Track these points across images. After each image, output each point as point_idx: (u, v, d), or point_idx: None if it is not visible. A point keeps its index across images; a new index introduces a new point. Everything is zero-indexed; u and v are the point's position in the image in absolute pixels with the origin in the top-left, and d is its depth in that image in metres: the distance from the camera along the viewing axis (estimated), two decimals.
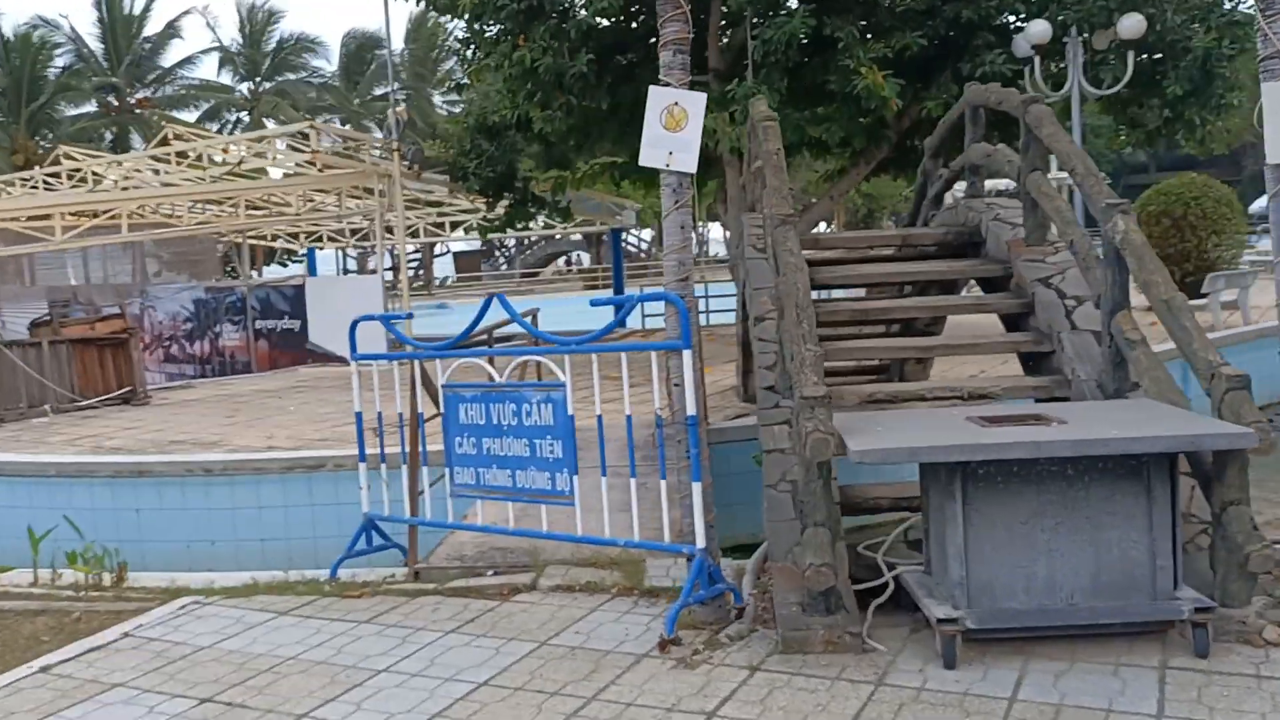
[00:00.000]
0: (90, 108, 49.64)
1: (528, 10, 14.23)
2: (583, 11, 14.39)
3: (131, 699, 5.04)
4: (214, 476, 10.79)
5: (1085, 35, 15.11)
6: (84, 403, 15.57)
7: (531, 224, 23.60)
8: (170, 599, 6.62)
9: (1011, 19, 15.40)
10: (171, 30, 51.68)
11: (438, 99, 55.50)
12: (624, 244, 32.74)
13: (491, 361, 6.74)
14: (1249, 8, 16.54)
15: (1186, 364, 6.16)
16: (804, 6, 13.20)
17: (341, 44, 56.27)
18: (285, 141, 19.96)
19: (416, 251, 53.86)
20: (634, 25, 15.87)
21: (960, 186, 10.69)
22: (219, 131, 44.48)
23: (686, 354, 5.49)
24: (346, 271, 50.42)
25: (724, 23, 15.35)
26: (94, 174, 19.97)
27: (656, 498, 6.16)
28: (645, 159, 5.64)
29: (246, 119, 51.25)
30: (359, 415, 7.38)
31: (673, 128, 5.50)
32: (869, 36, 13.82)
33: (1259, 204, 36.78)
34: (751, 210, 9.72)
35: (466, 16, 15.83)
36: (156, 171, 19.77)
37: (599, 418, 5.96)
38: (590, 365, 6.18)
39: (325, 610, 6.24)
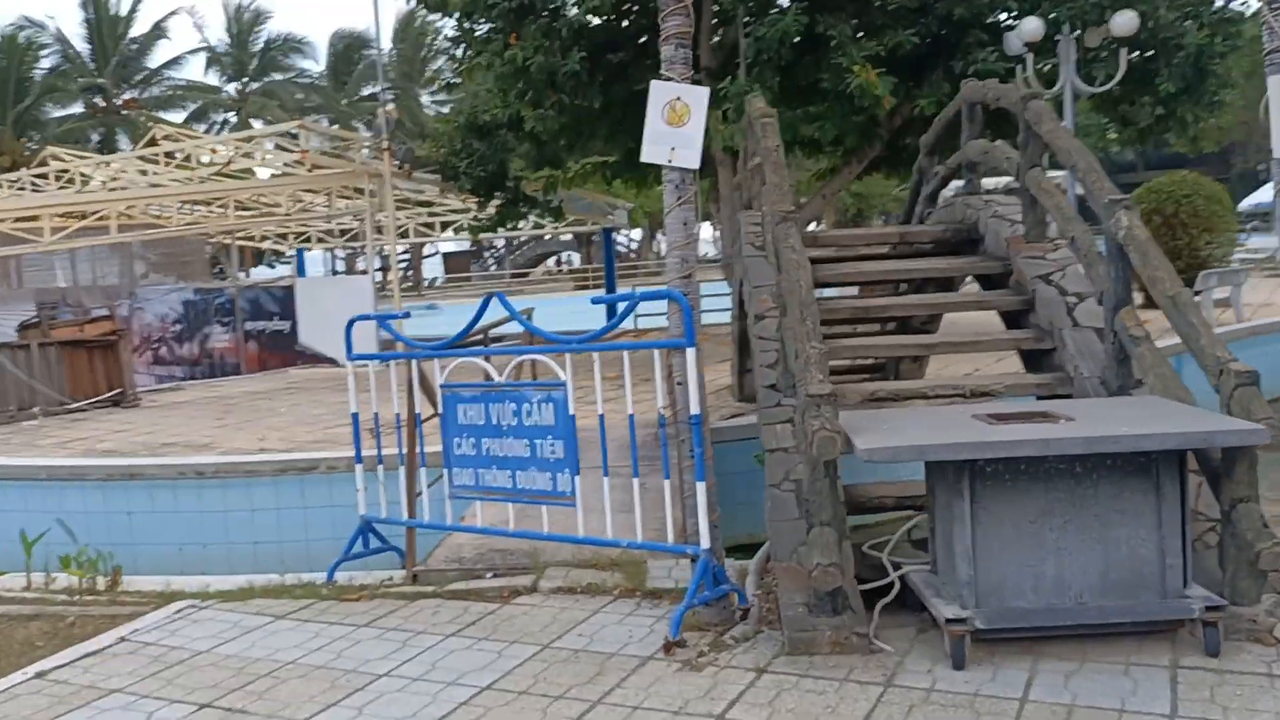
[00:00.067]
0: (77, 109, 49.44)
1: (519, 8, 14.16)
2: (574, 10, 14.33)
3: (129, 705, 4.95)
4: (206, 479, 10.70)
5: (1078, 33, 15.07)
6: (73, 405, 15.45)
7: (521, 224, 23.48)
8: (166, 603, 6.53)
9: (1004, 16, 15.38)
10: (158, 31, 51.54)
11: (426, 98, 55.39)
12: (614, 244, 32.62)
13: (489, 361, 6.67)
14: (1241, 5, 16.61)
15: (1183, 360, 6.18)
16: (796, 5, 13.14)
17: (329, 44, 56.23)
18: (274, 141, 19.86)
19: (405, 252, 53.71)
20: (625, 24, 15.80)
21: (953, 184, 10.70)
22: (206, 132, 44.22)
23: (690, 352, 5.43)
24: (335, 272, 50.32)
25: (715, 21, 15.30)
26: (82, 175, 19.84)
27: (657, 498, 6.11)
28: (647, 155, 5.57)
29: (234, 120, 51.07)
30: (355, 416, 7.30)
31: (675, 123, 5.44)
32: (861, 35, 13.77)
33: (1249, 201, 36.94)
34: (748, 208, 9.67)
35: (457, 15, 15.77)
36: (144, 172, 19.64)
37: (601, 417, 5.90)
38: (584, 364, 6.13)
39: (323, 614, 6.16)
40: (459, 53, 17.32)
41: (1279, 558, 4.79)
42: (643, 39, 15.67)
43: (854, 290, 11.25)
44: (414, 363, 6.91)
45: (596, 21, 14.91)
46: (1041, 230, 7.78)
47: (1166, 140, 17.85)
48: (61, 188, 19.74)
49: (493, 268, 63.09)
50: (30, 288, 21.80)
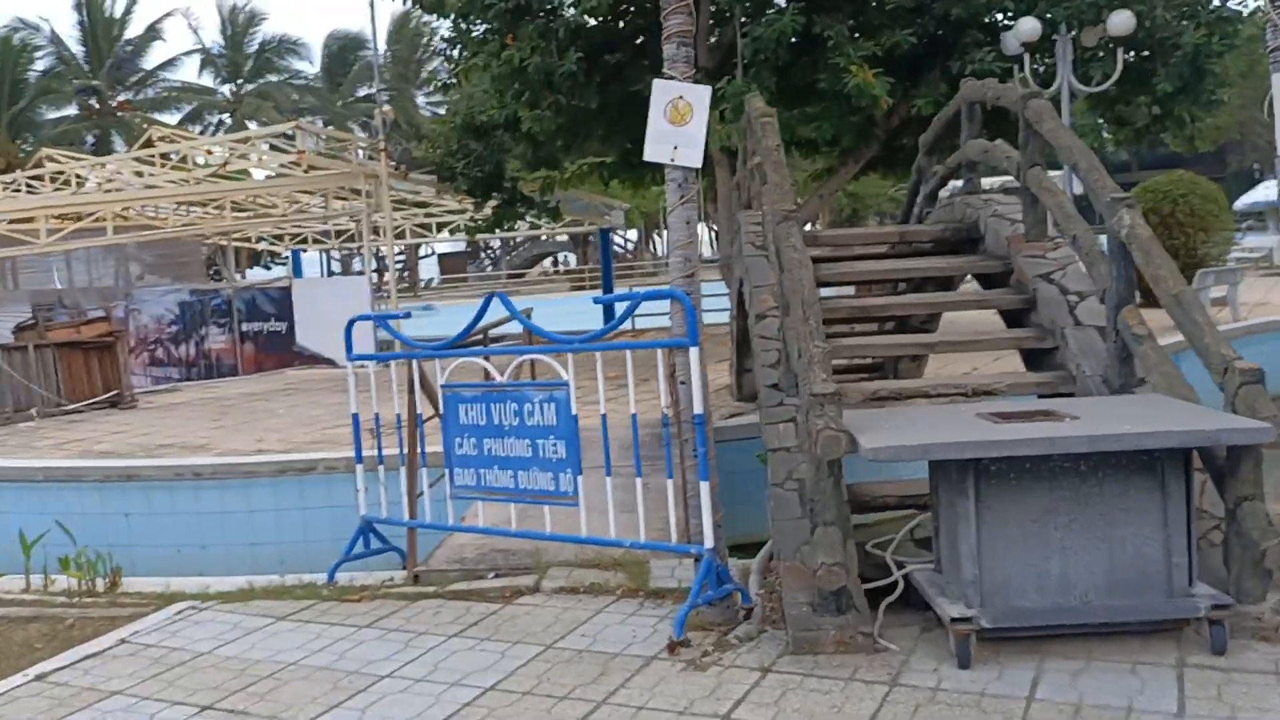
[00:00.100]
0: (71, 111, 49.33)
1: (515, 9, 14.14)
2: (571, 10, 14.31)
3: (130, 707, 4.93)
4: (204, 480, 10.68)
5: (1074, 32, 15.08)
6: (70, 407, 15.42)
7: (518, 224, 23.46)
8: (165, 604, 6.50)
9: (1000, 16, 15.37)
10: (153, 32, 51.50)
11: (421, 99, 55.38)
12: (611, 244, 32.58)
13: (489, 361, 6.65)
14: (1239, 4, 16.61)
15: (1181, 358, 6.16)
16: (793, 5, 13.13)
17: (324, 45, 56.17)
18: (270, 142, 19.82)
19: (401, 253, 53.68)
20: (621, 24, 15.78)
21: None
22: (201, 134, 44.18)
23: (693, 351, 5.41)
24: (331, 273, 50.22)
25: (712, 21, 15.28)
26: (77, 176, 19.79)
27: (657, 498, 6.10)
28: (650, 154, 5.55)
29: (229, 121, 51.01)
30: (355, 416, 7.27)
31: (678, 122, 5.42)
32: (857, 35, 13.76)
33: (1244, 200, 37.00)
34: (747, 208, 9.66)
35: (453, 16, 15.75)
36: (140, 174, 19.59)
37: (603, 417, 5.88)
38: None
39: (324, 615, 6.13)
40: (455, 53, 17.33)
41: None
42: (639, 39, 15.65)
43: (851, 290, 11.24)
44: (414, 363, 6.88)
45: (593, 22, 14.91)
46: (1042, 229, 7.77)
47: (1161, 140, 17.86)
48: (57, 189, 19.69)
49: (488, 269, 63.07)
50: (26, 289, 21.73)
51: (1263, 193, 41.66)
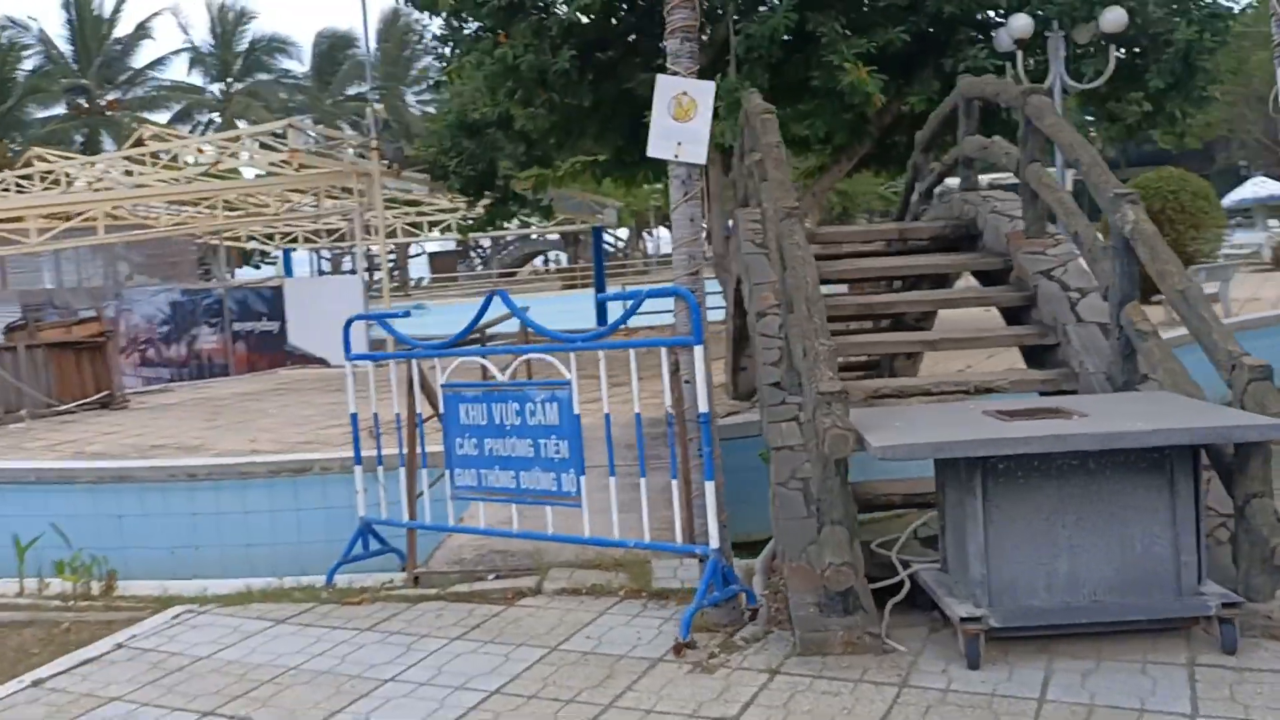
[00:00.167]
0: (60, 110, 49.05)
1: (508, 7, 14.06)
2: (564, 8, 14.24)
3: (130, 713, 4.86)
4: (198, 481, 10.61)
5: (1066, 29, 15.07)
6: (61, 408, 15.32)
7: (510, 223, 23.38)
8: (163, 608, 6.43)
9: (992, 14, 15.35)
10: (142, 31, 51.21)
11: (411, 98, 55.23)
12: (603, 242, 32.50)
13: (489, 360, 6.59)
14: (1231, 0, 16.62)
15: (1180, 354, 6.13)
16: (786, 2, 13.07)
17: (313, 44, 55.97)
18: (261, 141, 19.71)
19: (391, 252, 53.51)
20: (615, 21, 15.71)
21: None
22: (190, 133, 43.99)
23: (698, 350, 5.36)
24: (321, 273, 50.07)
25: (702, 20, 15.21)
26: (66, 176, 19.67)
27: (657, 497, 6.05)
28: (653, 150, 5.50)
29: (218, 120, 50.79)
30: (354, 417, 7.20)
31: (681, 118, 5.37)
32: (848, 32, 13.70)
33: (1231, 198, 37.05)
34: (744, 205, 9.61)
35: (445, 14, 15.66)
36: (130, 173, 19.48)
37: (607, 416, 5.83)
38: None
39: (325, 618, 6.07)
40: (446, 51, 17.23)
41: None
42: (632, 37, 15.58)
43: (843, 287, 11.19)
44: (414, 362, 6.81)
45: (586, 20, 14.83)
46: (1042, 225, 7.74)
47: (1149, 137, 17.88)
48: (46, 189, 19.57)
49: (479, 268, 62.95)
50: (15, 289, 21.60)
51: (1250, 190, 41.74)
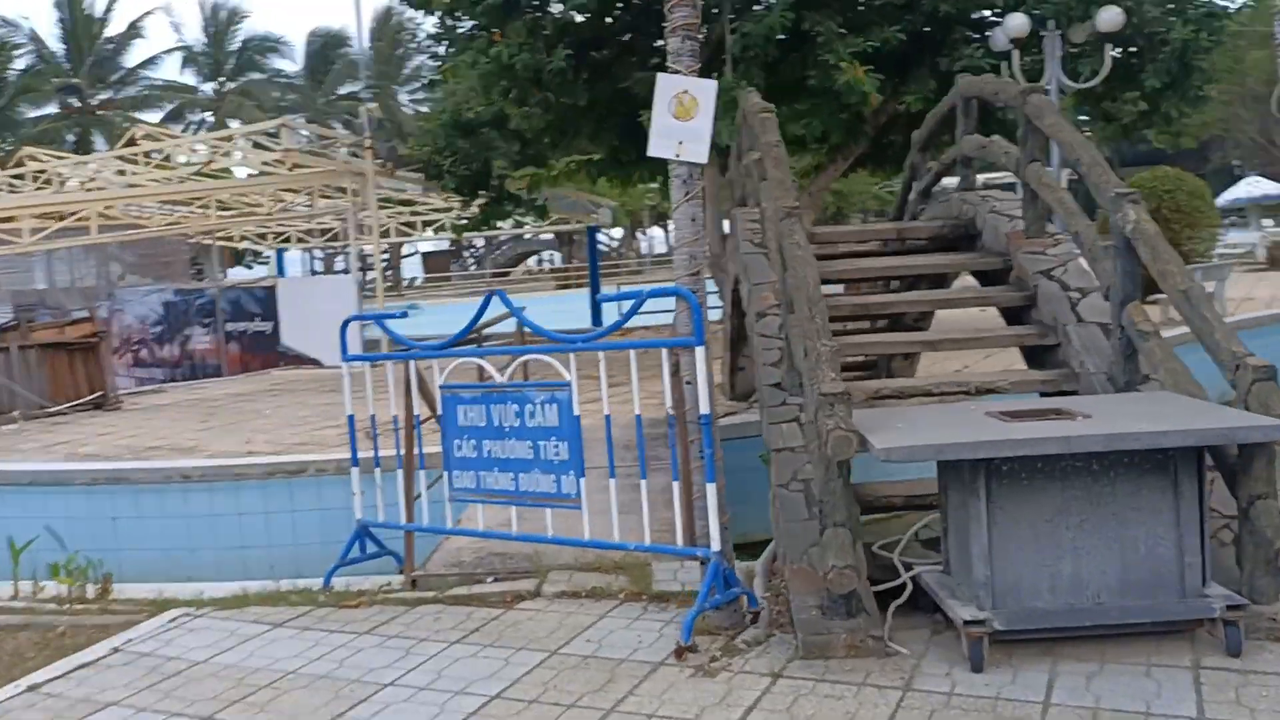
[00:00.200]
0: (52, 109, 48.88)
1: (503, 5, 14.01)
2: (560, 7, 14.20)
3: (127, 719, 4.81)
4: (192, 483, 10.56)
5: (1063, 29, 15.06)
6: (54, 408, 15.25)
7: (504, 223, 23.31)
8: (159, 611, 6.37)
9: (988, 13, 15.34)
10: (134, 30, 50.98)
11: (404, 96, 55.16)
12: (598, 242, 32.43)
13: (487, 361, 6.55)
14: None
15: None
16: (782, 1, 13.04)
17: (306, 43, 55.83)
18: (254, 140, 19.63)
19: (385, 252, 53.42)
20: (610, 20, 15.68)
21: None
22: (183, 132, 43.84)
23: (699, 351, 5.32)
24: (314, 273, 50.01)
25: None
26: (59, 175, 19.58)
27: (656, 499, 6.01)
28: (654, 149, 5.46)
29: (210, 120, 50.65)
30: (351, 418, 7.14)
31: (683, 117, 5.33)
32: (844, 31, 13.67)
33: (1224, 197, 37.11)
34: (742, 204, 9.58)
35: (439, 12, 15.61)
36: (122, 172, 19.39)
37: (607, 418, 5.79)
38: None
39: (322, 621, 6.02)
40: (441, 50, 17.18)
41: None
42: (627, 36, 15.54)
43: (839, 287, 11.16)
44: (412, 363, 6.77)
45: (581, 19, 14.79)
46: (1041, 225, 7.73)
47: (1143, 136, 17.88)
48: (39, 188, 19.47)
49: (472, 267, 62.85)
50: (7, 289, 21.50)
51: (1244, 189, 41.82)
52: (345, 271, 45.79)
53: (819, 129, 14.23)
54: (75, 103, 48.16)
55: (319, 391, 16.51)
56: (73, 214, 19.05)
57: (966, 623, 4.71)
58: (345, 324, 7.01)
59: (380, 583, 6.81)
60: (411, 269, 63.19)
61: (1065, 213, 6.98)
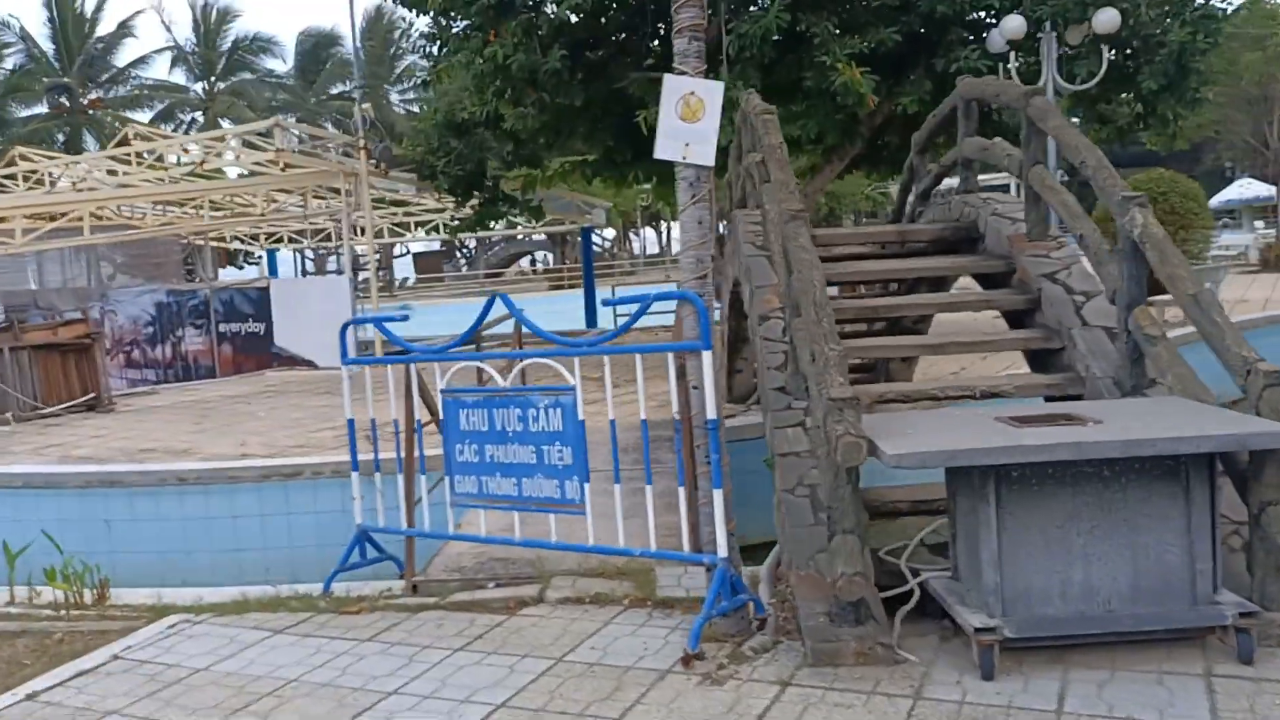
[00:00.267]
0: (41, 109, 48.64)
1: (498, 5, 13.95)
2: (554, 7, 14.13)
3: None
4: (188, 486, 10.49)
5: (1059, 30, 15.03)
6: (47, 410, 15.15)
7: (497, 223, 23.24)
8: (157, 617, 6.31)
9: (984, 14, 15.31)
10: (124, 29, 50.76)
11: (395, 96, 55.00)
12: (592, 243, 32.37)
13: (489, 364, 6.50)
14: (1223, 2, 16.63)
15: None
16: (778, 2, 13.00)
17: (297, 43, 55.61)
18: (246, 139, 19.53)
19: (376, 252, 53.21)
20: (604, 21, 15.62)
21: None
22: (174, 131, 43.68)
23: (706, 355, 5.27)
24: (305, 273, 49.85)
25: None
26: (49, 174, 19.46)
27: (659, 504, 5.96)
28: (661, 151, 5.41)
29: (201, 119, 50.47)
30: (351, 422, 7.07)
31: (689, 118, 5.27)
32: (839, 32, 13.63)
33: (1217, 199, 37.20)
34: (741, 206, 9.54)
35: (433, 12, 15.54)
36: (114, 172, 19.29)
37: (612, 423, 5.73)
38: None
39: (323, 628, 5.95)
40: (435, 50, 17.11)
41: None
42: (622, 36, 15.49)
43: (833, 290, 11.11)
44: (412, 367, 6.70)
45: (576, 19, 14.73)
46: (1044, 228, 7.69)
47: (1135, 138, 17.88)
48: (29, 188, 19.36)
49: (464, 268, 62.72)
50: None
51: (1236, 191, 41.94)
52: (337, 272, 45.71)
53: (814, 130, 14.20)
54: (65, 102, 47.91)
55: (313, 393, 16.44)
56: (64, 214, 18.94)
57: (977, 630, 4.66)
58: (344, 327, 6.94)
59: (381, 588, 6.75)
60: (402, 269, 63.04)
61: (1069, 216, 6.95)
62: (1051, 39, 15.11)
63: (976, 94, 8.75)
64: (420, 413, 6.95)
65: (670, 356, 5.58)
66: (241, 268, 38.69)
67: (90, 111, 47.50)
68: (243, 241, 29.66)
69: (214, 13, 52.52)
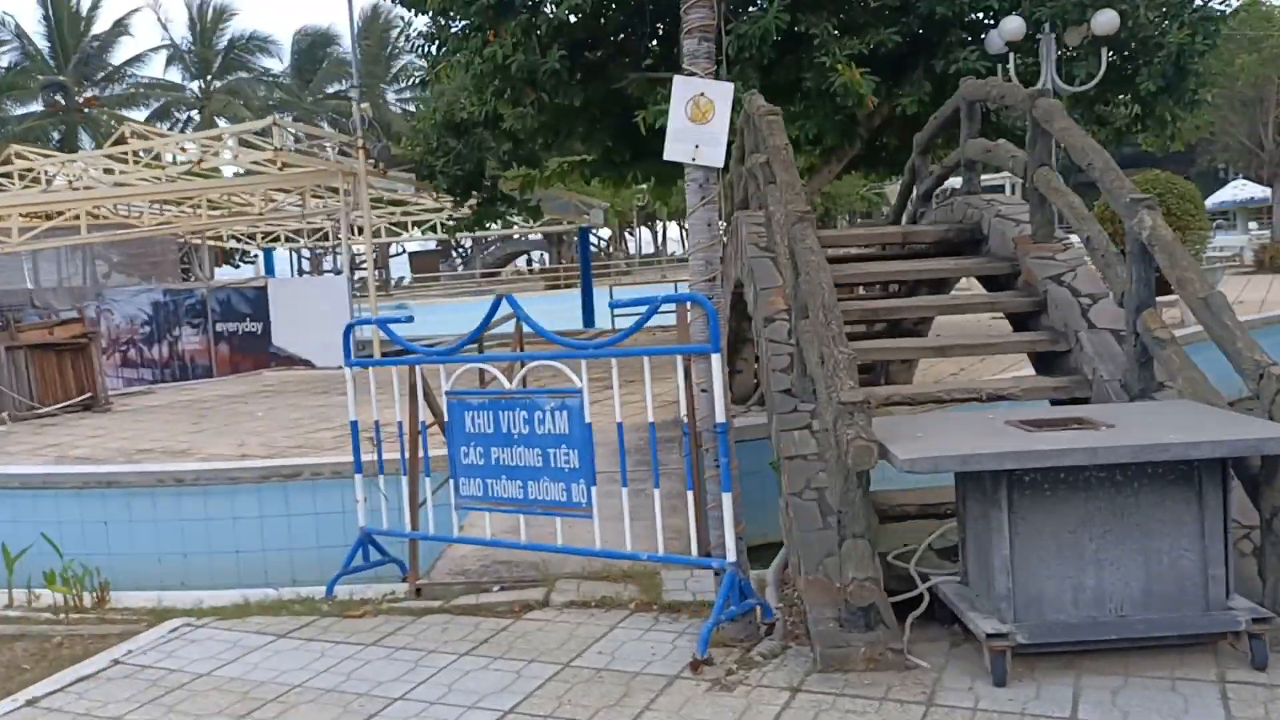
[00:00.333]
0: (36, 107, 48.50)
1: (498, 5, 13.91)
2: (553, 7, 14.09)
3: None
4: (186, 487, 10.43)
5: (1058, 32, 15.01)
6: (43, 410, 15.08)
7: (495, 223, 23.20)
8: (158, 621, 6.24)
9: (980, 15, 15.29)
10: (120, 28, 50.69)
11: (391, 95, 54.93)
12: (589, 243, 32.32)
13: (494, 365, 6.45)
14: (1222, 4, 16.62)
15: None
16: (778, 2, 12.97)
17: (293, 41, 55.56)
18: (243, 138, 19.48)
19: (373, 252, 53.10)
20: (603, 21, 15.58)
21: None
22: (170, 130, 43.58)
23: (715, 358, 5.22)
24: (301, 272, 49.77)
25: None
26: (45, 173, 19.39)
27: (667, 505, 5.92)
28: (670, 153, 5.36)
29: (197, 118, 50.38)
30: (354, 424, 7.02)
31: (699, 119, 5.23)
32: (838, 33, 13.60)
33: (1211, 200, 37.22)
34: (743, 207, 9.50)
35: (431, 11, 15.49)
36: (110, 171, 19.22)
37: (619, 425, 5.68)
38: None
39: (327, 632, 5.90)
40: (433, 50, 17.06)
41: None
42: (620, 36, 15.46)
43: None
44: (417, 368, 6.64)
45: (575, 19, 14.69)
46: (1050, 230, 7.66)
47: (1132, 139, 17.88)
48: (25, 187, 19.28)
49: (460, 267, 62.64)
50: None
51: (1231, 192, 42.00)
52: (334, 271, 45.63)
53: (813, 131, 14.19)
54: (61, 100, 47.76)
55: (311, 393, 16.37)
56: (61, 213, 18.86)
57: (989, 636, 4.62)
58: (348, 328, 6.87)
59: (384, 591, 6.69)
60: (398, 269, 62.95)
61: (1076, 218, 6.91)
62: (1050, 40, 15.09)
63: (980, 95, 8.71)
64: (423, 414, 6.90)
65: (678, 359, 5.53)
66: (237, 266, 38.63)
67: (86, 110, 47.36)
68: (239, 240, 29.60)
69: (210, 11, 52.46)
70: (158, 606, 6.72)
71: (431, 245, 57.18)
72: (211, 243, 27.67)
